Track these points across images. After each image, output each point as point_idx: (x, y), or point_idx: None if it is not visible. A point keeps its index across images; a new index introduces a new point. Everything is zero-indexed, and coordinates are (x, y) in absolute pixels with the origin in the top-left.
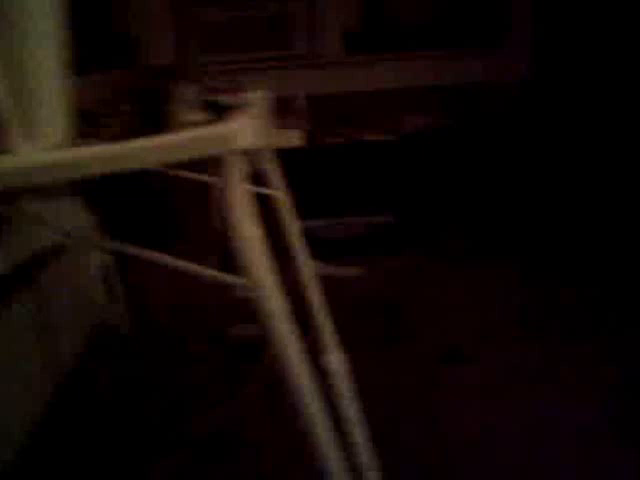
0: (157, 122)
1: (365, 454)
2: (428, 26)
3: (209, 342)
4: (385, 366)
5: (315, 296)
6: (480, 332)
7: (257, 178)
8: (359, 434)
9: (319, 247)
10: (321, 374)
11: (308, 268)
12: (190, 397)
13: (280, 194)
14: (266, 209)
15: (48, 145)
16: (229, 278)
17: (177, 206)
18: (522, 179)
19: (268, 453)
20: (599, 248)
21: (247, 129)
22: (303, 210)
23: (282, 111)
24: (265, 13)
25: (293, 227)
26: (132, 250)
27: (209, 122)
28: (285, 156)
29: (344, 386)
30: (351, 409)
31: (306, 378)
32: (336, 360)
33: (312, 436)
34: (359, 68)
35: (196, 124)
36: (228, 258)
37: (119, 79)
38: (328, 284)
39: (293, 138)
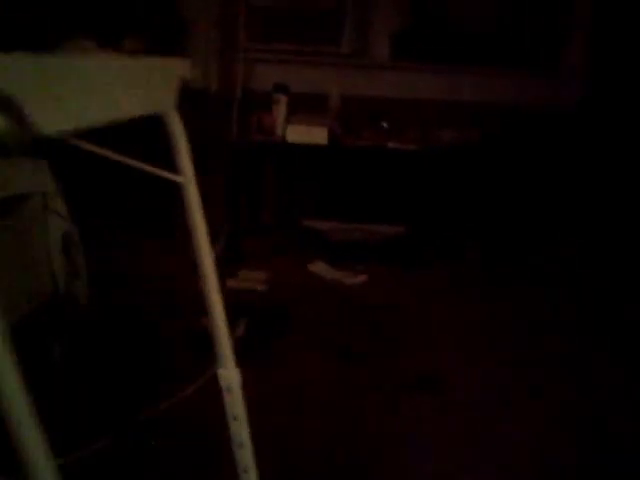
0: None
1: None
2: (481, 38)
3: (177, 327)
4: (343, 384)
5: (214, 297)
6: (462, 361)
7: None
8: (245, 457)
9: (327, 249)
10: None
11: (209, 266)
12: (142, 376)
13: (186, 177)
14: None
15: None
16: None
17: None
18: (552, 206)
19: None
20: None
21: None
22: (316, 209)
23: (315, 107)
24: (315, 7)
25: (197, 217)
26: None
27: None
28: (307, 152)
29: (235, 404)
30: (241, 430)
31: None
32: (229, 375)
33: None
34: (403, 73)
35: None
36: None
37: None
38: (327, 288)
39: (318, 135)
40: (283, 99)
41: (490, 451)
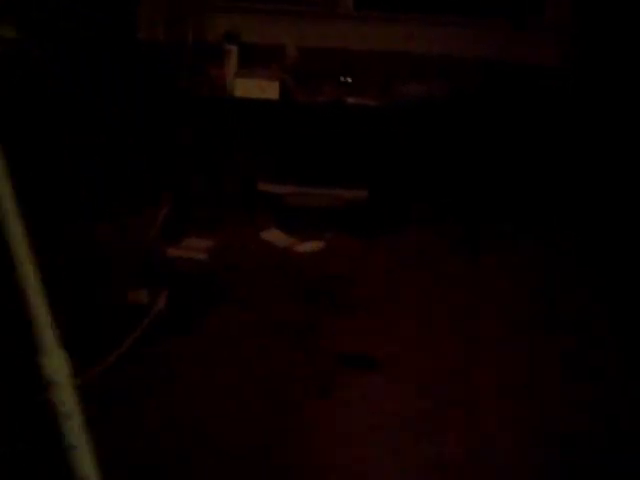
0: None
1: None
2: None
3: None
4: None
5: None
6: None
7: None
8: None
9: (285, 215)
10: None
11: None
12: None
13: None
14: None
15: None
16: None
17: None
18: (515, 167)
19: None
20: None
21: None
22: (270, 172)
23: (270, 61)
24: None
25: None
26: None
27: None
28: (259, 109)
29: (64, 400)
30: (72, 429)
31: None
32: (55, 364)
33: None
34: (368, 25)
35: None
36: None
37: None
38: (282, 256)
39: (269, 90)
40: (233, 50)
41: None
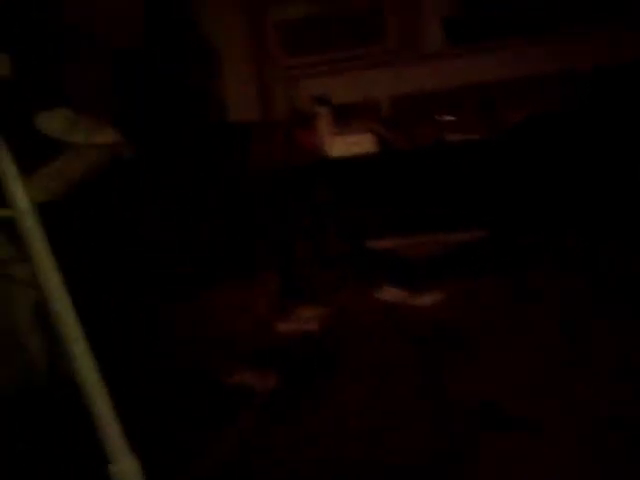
0: None
1: None
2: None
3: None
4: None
5: (89, 374)
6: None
7: None
8: None
9: (399, 270)
10: None
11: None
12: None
13: (18, 210)
14: None
15: None
16: None
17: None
18: None
19: None
20: None
21: None
22: (378, 226)
23: (362, 115)
24: (348, 8)
25: (43, 259)
26: None
27: None
28: (358, 165)
29: None
30: None
31: None
32: (120, 471)
33: None
34: (460, 58)
35: None
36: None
37: None
38: (400, 313)
39: (365, 143)
40: (326, 112)
41: None
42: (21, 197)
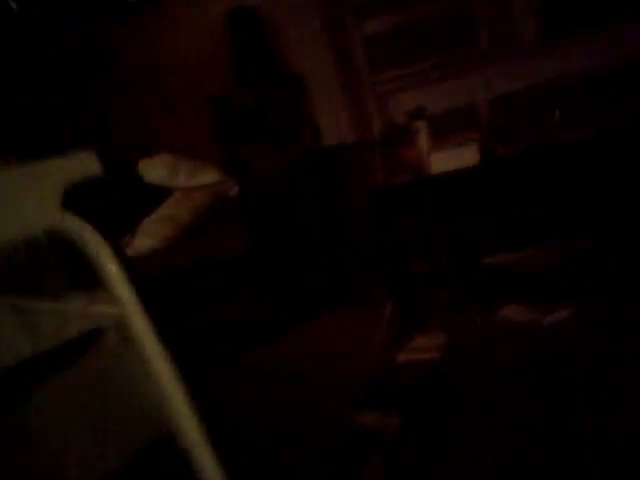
0: None
1: None
2: None
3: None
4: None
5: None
6: None
7: None
8: None
9: (520, 286)
10: None
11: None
12: None
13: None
14: None
15: None
16: None
17: None
18: None
19: None
20: None
21: None
22: (490, 242)
23: (460, 124)
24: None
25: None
26: None
27: None
28: (461, 179)
29: None
30: None
31: None
32: None
33: None
34: (557, 52)
35: None
36: None
37: None
38: (528, 334)
39: (467, 156)
40: (422, 125)
41: None
42: (129, 298)
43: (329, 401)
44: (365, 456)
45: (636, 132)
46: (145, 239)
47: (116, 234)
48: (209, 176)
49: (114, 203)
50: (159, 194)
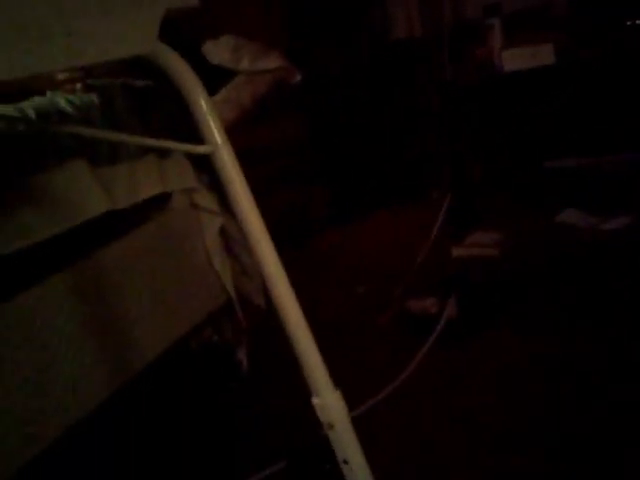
0: None
1: None
2: None
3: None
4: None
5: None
6: None
7: None
8: None
9: (582, 191)
10: None
11: (272, 265)
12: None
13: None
14: None
15: None
16: None
17: None
18: None
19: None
20: None
21: None
22: (555, 145)
23: (535, 25)
24: None
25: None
26: None
27: None
28: (534, 79)
29: (342, 443)
30: (354, 476)
31: None
32: (325, 406)
33: None
34: None
35: None
36: None
37: None
38: (587, 239)
39: (542, 55)
40: (496, 23)
41: None
42: (218, 131)
43: (388, 287)
44: (421, 339)
45: None
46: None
47: None
48: (273, 61)
49: None
50: (222, 76)
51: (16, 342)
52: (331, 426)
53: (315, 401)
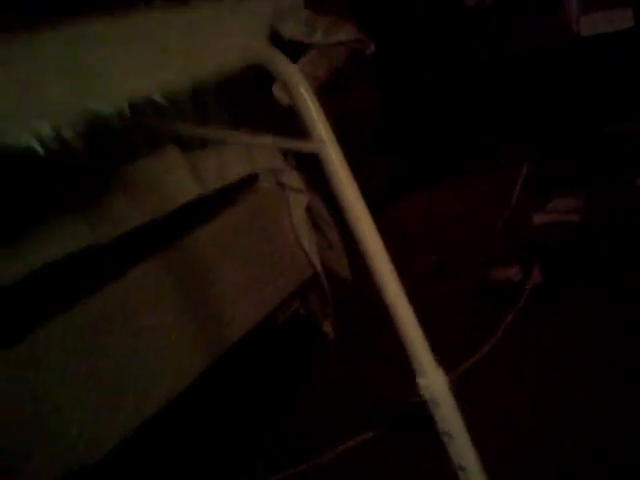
0: None
1: None
2: None
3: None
4: None
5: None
6: None
7: None
8: None
9: None
10: None
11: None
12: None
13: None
14: None
15: None
16: None
17: None
18: None
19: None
20: None
21: None
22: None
23: None
24: None
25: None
26: None
27: None
28: (612, 44)
29: (445, 419)
30: (459, 450)
31: None
32: (430, 384)
33: None
34: None
35: None
36: None
37: None
38: None
39: (620, 19)
40: None
41: None
42: (326, 130)
43: (469, 255)
44: (505, 307)
45: None
46: (282, 95)
47: None
48: (346, 33)
49: None
50: (296, 50)
51: (117, 326)
52: (436, 403)
53: (420, 380)
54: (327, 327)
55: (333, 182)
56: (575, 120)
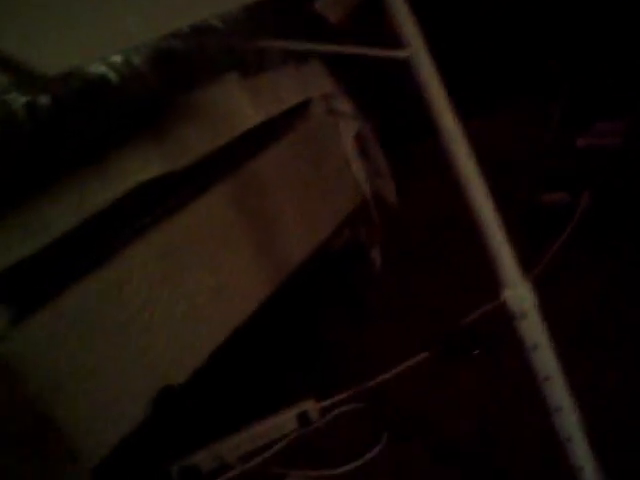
0: None
1: None
2: None
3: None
4: None
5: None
6: None
7: None
8: (557, 394)
9: None
10: None
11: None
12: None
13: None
14: None
15: None
16: None
17: None
18: None
19: None
20: None
21: None
22: None
23: None
24: None
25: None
26: None
27: None
28: None
29: (533, 330)
30: (546, 361)
31: None
32: (517, 296)
33: None
34: None
35: None
36: None
37: None
38: None
39: None
40: None
41: None
42: (416, 36)
43: (516, 182)
44: (555, 233)
45: None
46: (329, 10)
47: None
48: None
49: None
50: None
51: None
52: (524, 315)
53: (507, 292)
54: (375, 254)
55: (424, 90)
56: (619, 42)
